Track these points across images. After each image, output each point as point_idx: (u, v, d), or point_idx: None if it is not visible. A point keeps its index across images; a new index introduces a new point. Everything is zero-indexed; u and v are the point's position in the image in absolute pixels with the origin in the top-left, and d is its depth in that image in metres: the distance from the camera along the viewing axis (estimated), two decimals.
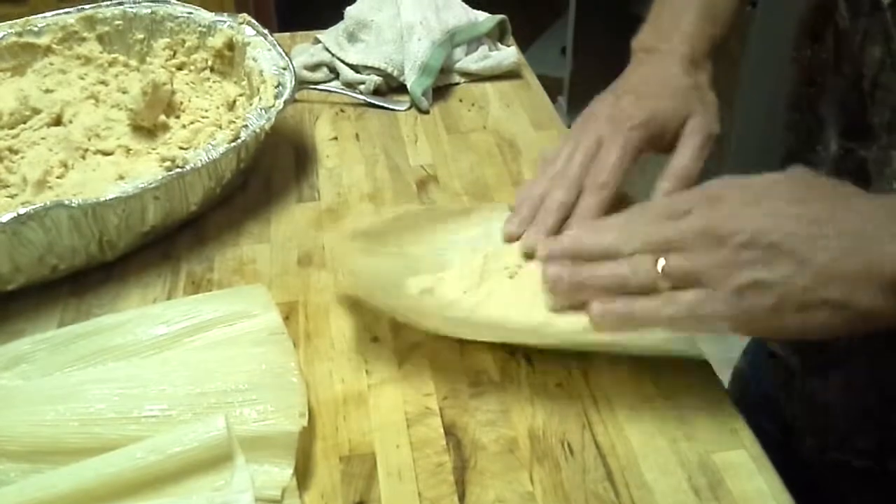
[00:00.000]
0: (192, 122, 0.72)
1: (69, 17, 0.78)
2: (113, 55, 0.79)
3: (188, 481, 0.44)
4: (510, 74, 0.88)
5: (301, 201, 0.70)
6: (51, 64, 0.77)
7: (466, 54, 0.88)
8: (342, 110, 0.83)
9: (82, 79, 0.76)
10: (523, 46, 0.93)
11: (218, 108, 0.75)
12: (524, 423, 0.50)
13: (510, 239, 0.58)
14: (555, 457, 0.48)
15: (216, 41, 0.77)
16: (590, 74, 2.23)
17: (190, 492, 0.44)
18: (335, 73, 0.87)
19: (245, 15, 0.78)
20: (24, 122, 0.70)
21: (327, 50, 0.87)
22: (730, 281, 0.44)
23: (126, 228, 0.60)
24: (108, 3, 0.79)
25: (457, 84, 0.87)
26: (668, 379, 0.52)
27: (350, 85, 0.85)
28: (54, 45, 0.77)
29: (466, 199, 0.70)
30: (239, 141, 0.63)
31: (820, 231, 0.44)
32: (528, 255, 0.56)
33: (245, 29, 0.77)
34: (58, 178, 0.65)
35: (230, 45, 0.77)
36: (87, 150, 0.68)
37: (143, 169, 0.67)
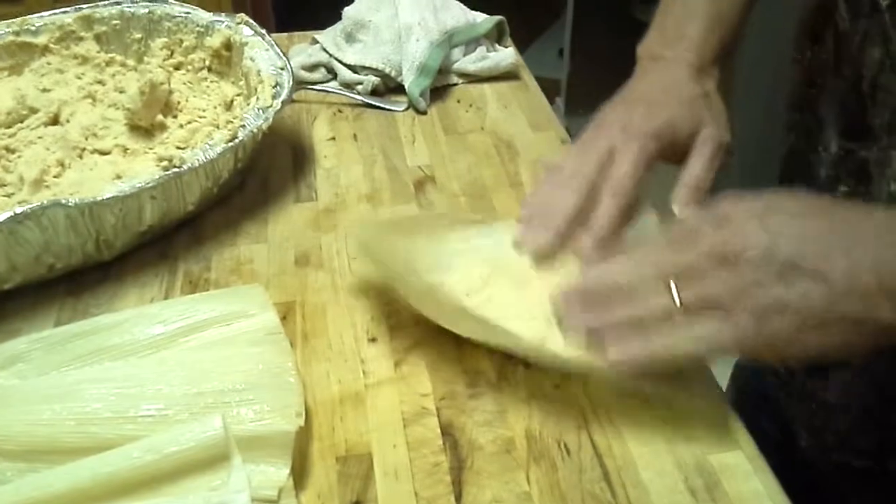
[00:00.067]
0: (189, 122, 0.72)
1: (67, 17, 0.78)
2: (110, 55, 0.78)
3: (185, 481, 0.44)
4: (508, 75, 0.88)
5: (298, 201, 0.70)
6: (48, 63, 0.77)
7: (464, 55, 0.88)
8: (340, 111, 0.83)
9: (79, 78, 0.76)
10: (521, 48, 0.93)
11: (215, 107, 0.75)
12: (521, 423, 0.50)
13: (521, 244, 0.58)
14: (551, 457, 0.48)
15: (214, 41, 0.77)
16: (587, 76, 2.23)
17: (186, 491, 0.43)
18: (333, 74, 0.87)
19: (243, 15, 0.78)
20: (22, 122, 0.70)
21: (325, 50, 0.87)
22: (748, 303, 0.44)
23: (123, 228, 0.60)
24: (106, 2, 0.79)
25: (455, 85, 0.87)
26: (665, 380, 0.52)
27: (348, 85, 0.85)
28: (52, 45, 0.77)
29: (464, 199, 0.70)
30: (236, 141, 0.63)
31: (831, 246, 0.43)
32: (536, 267, 0.56)
33: (243, 29, 0.77)
34: (55, 177, 0.65)
35: (228, 45, 0.77)
36: (84, 149, 0.68)
37: (141, 168, 0.67)
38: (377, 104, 0.83)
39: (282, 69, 0.71)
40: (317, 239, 0.65)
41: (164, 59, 0.78)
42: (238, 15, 0.78)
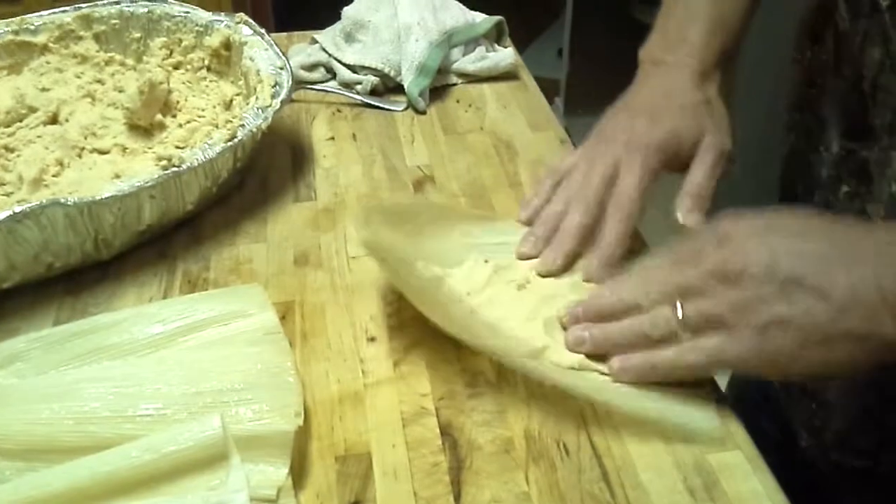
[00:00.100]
0: (188, 122, 0.72)
1: (66, 16, 0.78)
2: (109, 54, 0.78)
3: (183, 480, 0.44)
4: (507, 75, 0.88)
5: (298, 201, 0.70)
6: (47, 62, 0.77)
7: (464, 55, 0.88)
8: (339, 110, 0.83)
9: (79, 77, 0.76)
10: (520, 48, 0.93)
11: (214, 107, 0.75)
12: (520, 423, 0.50)
13: (524, 258, 0.58)
14: (550, 457, 0.48)
15: (213, 40, 0.77)
16: (586, 76, 2.23)
17: (185, 491, 0.43)
18: (332, 74, 0.87)
19: (242, 14, 0.78)
20: (21, 121, 0.70)
21: (324, 50, 0.87)
22: (751, 320, 0.44)
23: (122, 227, 0.60)
24: (105, 1, 0.79)
25: (454, 85, 0.87)
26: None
27: (347, 85, 0.85)
28: (51, 44, 0.77)
29: (463, 199, 0.70)
30: (235, 140, 0.63)
31: (832, 263, 0.43)
32: (539, 273, 0.57)
33: (242, 28, 0.77)
34: (54, 176, 0.65)
35: (227, 45, 0.77)
36: (83, 148, 0.68)
37: (140, 168, 0.67)
38: (376, 104, 0.83)
39: (281, 69, 0.71)
40: (316, 238, 0.65)
41: (164, 59, 0.78)
42: (237, 14, 0.78)
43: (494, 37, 0.92)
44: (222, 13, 0.79)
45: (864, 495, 0.63)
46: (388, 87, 0.85)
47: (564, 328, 0.52)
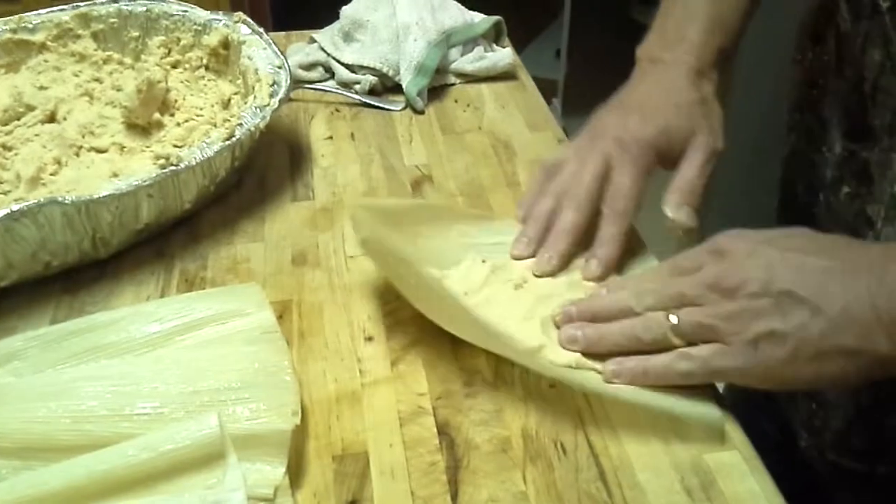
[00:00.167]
0: (186, 120, 0.72)
1: (64, 15, 0.78)
2: (107, 53, 0.78)
3: (180, 479, 0.44)
4: (505, 75, 0.88)
5: (296, 200, 0.70)
6: (45, 61, 0.77)
7: (462, 55, 0.88)
8: (337, 110, 0.83)
9: (77, 76, 0.76)
10: (518, 48, 0.93)
11: (213, 106, 0.74)
12: (517, 422, 0.50)
13: (518, 259, 0.58)
14: (548, 456, 0.48)
15: (211, 39, 0.77)
16: (584, 77, 2.23)
17: (182, 490, 0.43)
18: (331, 73, 0.87)
19: (240, 14, 0.78)
20: (18, 119, 0.69)
21: (323, 49, 0.87)
22: (744, 332, 0.45)
23: (120, 226, 0.60)
24: (103, 0, 0.79)
25: (452, 85, 0.87)
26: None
27: (345, 84, 0.85)
28: (49, 43, 0.77)
29: (461, 199, 0.70)
30: (233, 139, 0.63)
31: (829, 279, 0.44)
32: (535, 273, 0.57)
33: (240, 28, 0.77)
34: (51, 175, 0.65)
35: (225, 44, 0.77)
36: (81, 147, 0.68)
37: (138, 166, 0.66)
38: (375, 103, 0.83)
39: (279, 68, 0.71)
40: (314, 238, 0.65)
41: (162, 58, 0.78)
42: (236, 13, 0.78)
43: (493, 37, 0.92)
44: (221, 12, 0.79)
45: (863, 497, 0.63)
46: (387, 86, 0.86)
47: (558, 327, 0.52)
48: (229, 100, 0.74)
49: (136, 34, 0.80)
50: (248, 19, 0.77)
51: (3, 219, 0.53)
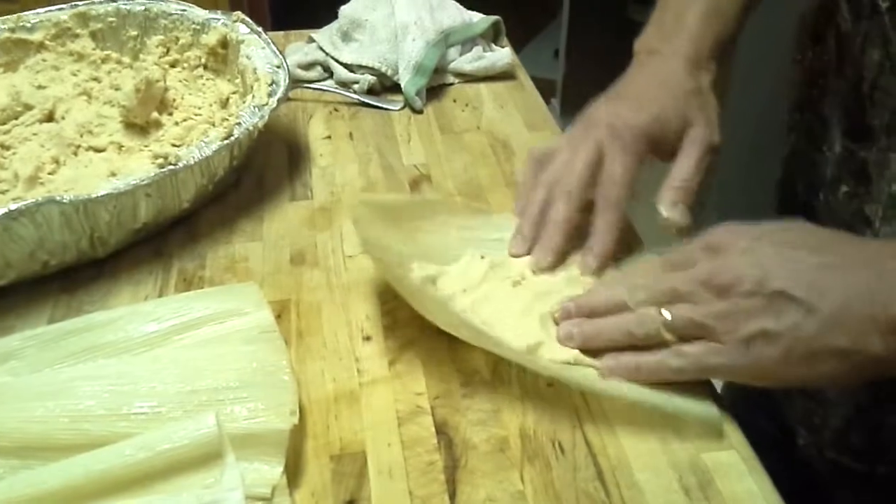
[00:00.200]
0: (184, 120, 0.72)
1: (62, 14, 0.78)
2: (106, 52, 0.78)
3: (178, 479, 0.44)
4: (504, 75, 0.88)
5: (294, 200, 0.70)
6: (43, 60, 0.77)
7: (460, 55, 0.88)
8: (336, 109, 0.83)
9: (75, 75, 0.76)
10: (517, 48, 0.93)
11: (211, 105, 0.74)
12: (515, 422, 0.50)
13: (516, 257, 0.58)
14: (545, 456, 0.48)
15: (210, 39, 0.77)
16: (583, 77, 2.23)
17: (179, 489, 0.43)
18: (329, 72, 0.87)
19: (239, 13, 0.78)
20: (17, 118, 0.69)
21: (321, 49, 0.87)
22: (736, 331, 0.44)
23: (117, 225, 0.60)
24: None
25: (451, 84, 0.87)
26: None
27: (344, 84, 0.85)
28: (47, 42, 0.77)
29: (460, 199, 0.70)
30: (232, 139, 0.63)
31: (824, 277, 0.43)
32: (533, 270, 0.57)
33: (239, 27, 0.76)
34: (49, 174, 0.65)
35: (224, 43, 0.77)
36: (79, 146, 0.68)
37: (136, 166, 0.66)
38: (373, 103, 0.83)
39: (278, 67, 0.71)
40: (312, 237, 0.65)
41: (160, 57, 0.78)
42: (234, 13, 0.78)
43: (491, 37, 0.92)
44: (219, 11, 0.79)
45: (863, 496, 0.63)
46: (385, 86, 0.85)
47: (557, 323, 0.52)
48: (228, 99, 0.74)
49: (135, 33, 0.79)
50: (247, 18, 0.77)
51: (1, 218, 0.53)
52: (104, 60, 0.78)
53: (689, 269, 0.47)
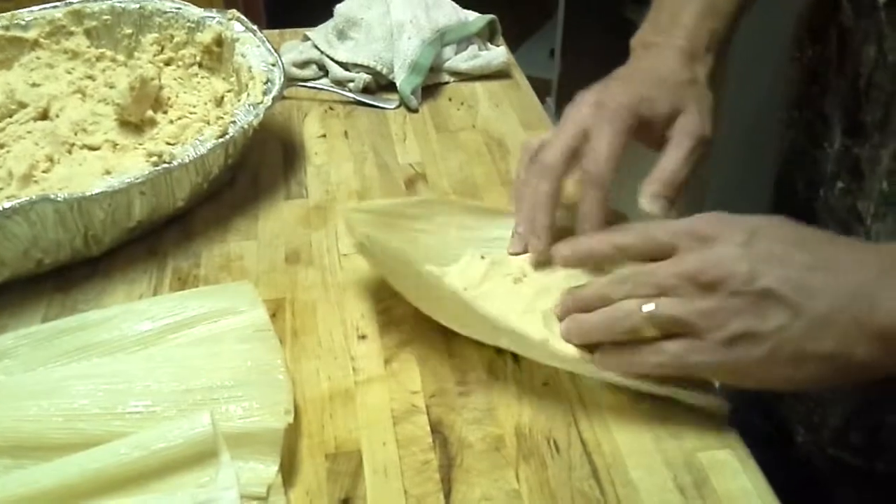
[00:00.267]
0: (179, 118, 0.72)
1: (57, 12, 0.77)
2: (100, 50, 0.78)
3: (173, 478, 0.44)
4: (499, 74, 0.88)
5: (289, 198, 0.70)
6: (38, 58, 0.76)
7: (456, 53, 0.88)
8: (331, 108, 0.83)
9: (69, 73, 0.76)
10: (512, 47, 0.93)
11: (206, 103, 0.74)
12: (510, 421, 0.50)
13: (516, 255, 0.57)
14: (541, 455, 0.48)
15: (205, 37, 0.77)
16: (578, 76, 2.23)
17: (174, 488, 0.43)
18: (324, 71, 0.87)
19: (234, 11, 0.78)
20: (10, 116, 0.69)
21: (316, 47, 0.87)
22: (720, 330, 0.43)
23: (112, 223, 0.60)
24: None
25: (446, 83, 0.87)
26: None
27: (339, 82, 0.85)
28: (41, 39, 0.77)
29: (455, 198, 0.69)
30: (227, 137, 0.63)
31: (813, 278, 0.42)
32: (534, 266, 0.56)
33: (234, 25, 0.76)
34: (44, 172, 0.65)
35: (219, 41, 0.77)
36: (73, 144, 0.68)
37: (130, 164, 0.66)
38: (368, 102, 0.83)
39: (273, 66, 0.71)
40: (307, 236, 0.65)
41: (155, 55, 0.78)
42: (229, 11, 0.78)
43: (487, 35, 0.92)
44: (214, 10, 0.79)
45: (864, 493, 0.63)
46: (381, 84, 0.85)
47: (560, 319, 0.52)
48: (223, 97, 0.74)
49: (130, 31, 0.79)
50: (242, 17, 0.77)
51: None
52: (99, 58, 0.77)
53: (675, 259, 0.46)
